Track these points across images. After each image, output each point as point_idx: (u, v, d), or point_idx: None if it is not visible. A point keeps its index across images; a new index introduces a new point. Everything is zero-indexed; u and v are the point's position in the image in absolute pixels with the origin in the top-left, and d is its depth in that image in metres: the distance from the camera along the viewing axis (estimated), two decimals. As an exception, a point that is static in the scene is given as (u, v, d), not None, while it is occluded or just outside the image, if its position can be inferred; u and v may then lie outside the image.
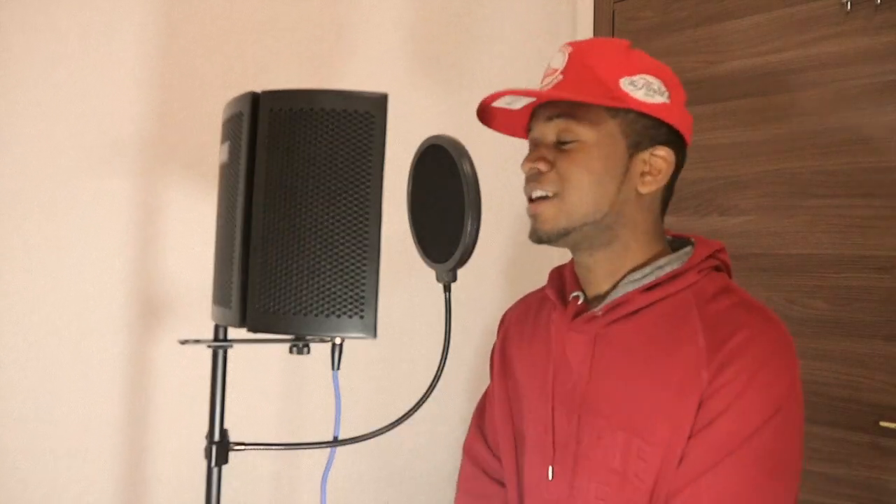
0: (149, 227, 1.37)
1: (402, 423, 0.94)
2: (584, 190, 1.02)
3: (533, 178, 1.05)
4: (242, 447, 0.92)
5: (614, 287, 1.07)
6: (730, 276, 1.10)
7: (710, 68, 1.88)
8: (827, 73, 1.71)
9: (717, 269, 1.08)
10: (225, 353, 0.93)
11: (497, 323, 1.34)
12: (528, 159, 1.05)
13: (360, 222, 0.82)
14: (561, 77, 1.04)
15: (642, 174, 1.05)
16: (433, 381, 0.93)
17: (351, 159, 0.83)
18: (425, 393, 0.93)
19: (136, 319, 1.35)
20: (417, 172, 1.01)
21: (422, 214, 1.01)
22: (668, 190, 1.09)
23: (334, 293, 0.82)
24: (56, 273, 1.27)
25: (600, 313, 1.05)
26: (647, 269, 1.06)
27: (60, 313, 1.28)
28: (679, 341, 0.99)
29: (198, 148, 1.39)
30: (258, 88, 0.85)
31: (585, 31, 2.12)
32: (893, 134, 1.62)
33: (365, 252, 0.82)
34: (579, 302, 1.11)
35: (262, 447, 0.95)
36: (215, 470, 0.91)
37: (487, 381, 1.31)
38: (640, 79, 1.02)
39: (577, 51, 1.05)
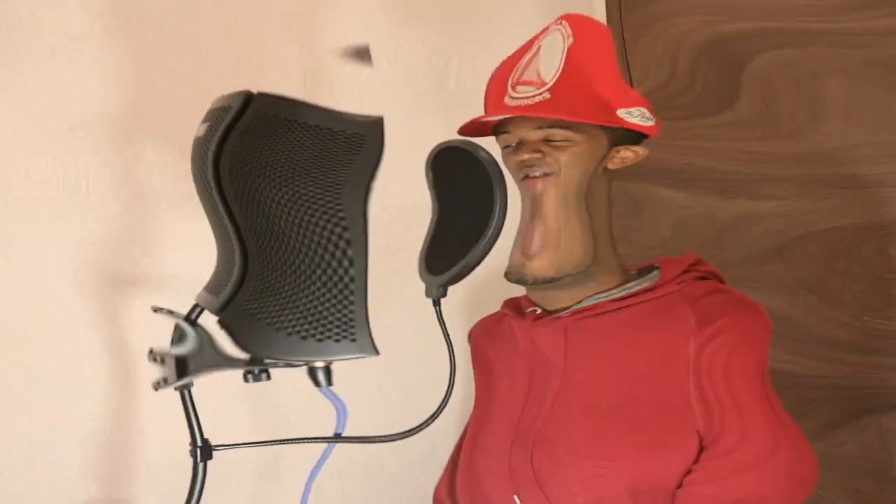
0: (126, 208, 1.35)
1: (412, 434, 0.93)
2: (575, 170, 1.07)
3: (532, 163, 1.07)
4: (224, 448, 0.90)
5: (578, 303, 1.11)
6: (721, 282, 1.14)
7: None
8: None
9: (702, 278, 1.12)
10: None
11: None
12: (523, 151, 1.07)
13: (340, 246, 0.80)
14: (548, 96, 1.05)
15: (613, 157, 1.11)
16: (444, 398, 0.93)
17: (332, 179, 0.80)
18: (438, 407, 0.94)
19: (114, 309, 1.34)
20: (444, 174, 1.02)
21: (438, 219, 1.02)
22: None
23: (318, 317, 0.81)
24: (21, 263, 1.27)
25: (565, 315, 1.09)
26: (614, 292, 1.10)
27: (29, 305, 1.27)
28: (667, 323, 1.05)
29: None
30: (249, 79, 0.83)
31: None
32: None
33: (348, 278, 0.80)
34: (538, 312, 1.15)
35: (244, 446, 0.92)
36: (201, 466, 0.89)
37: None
38: (637, 111, 1.09)
39: (572, 59, 1.06)
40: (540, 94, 1.06)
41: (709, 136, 1.66)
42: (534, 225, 1.06)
